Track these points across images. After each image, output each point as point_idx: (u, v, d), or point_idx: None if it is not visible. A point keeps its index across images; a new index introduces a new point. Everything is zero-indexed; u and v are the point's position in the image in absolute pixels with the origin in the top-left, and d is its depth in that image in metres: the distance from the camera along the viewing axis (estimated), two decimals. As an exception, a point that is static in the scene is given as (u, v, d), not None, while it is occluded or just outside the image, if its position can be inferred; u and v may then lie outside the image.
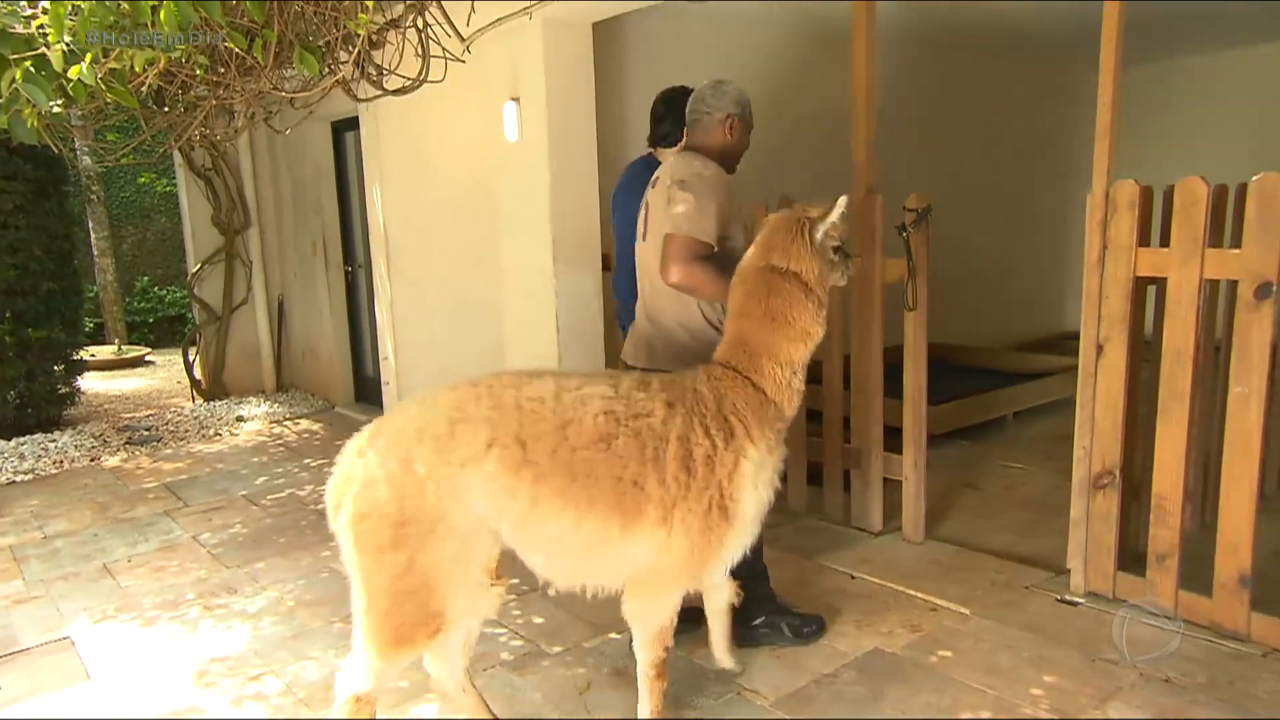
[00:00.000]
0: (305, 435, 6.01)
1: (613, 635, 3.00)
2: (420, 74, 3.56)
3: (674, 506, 2.13)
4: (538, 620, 3.15)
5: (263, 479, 5.03)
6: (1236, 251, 2.64)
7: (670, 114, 3.40)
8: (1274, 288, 2.56)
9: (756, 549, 2.79)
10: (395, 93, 3.70)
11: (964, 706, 2.48)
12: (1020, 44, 6.99)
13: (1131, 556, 3.07)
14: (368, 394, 6.59)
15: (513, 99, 4.62)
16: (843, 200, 2.29)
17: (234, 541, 4.06)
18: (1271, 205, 2.54)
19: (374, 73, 3.71)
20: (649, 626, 2.32)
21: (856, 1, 3.59)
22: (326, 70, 3.57)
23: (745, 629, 2.87)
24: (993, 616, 2.97)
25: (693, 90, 3.26)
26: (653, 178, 2.79)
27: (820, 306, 2.28)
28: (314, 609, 3.32)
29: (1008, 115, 7.87)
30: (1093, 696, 2.48)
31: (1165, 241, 2.83)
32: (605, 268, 4.83)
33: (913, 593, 3.13)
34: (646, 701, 2.38)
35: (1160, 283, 2.90)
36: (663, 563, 2.19)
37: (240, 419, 6.42)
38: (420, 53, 3.50)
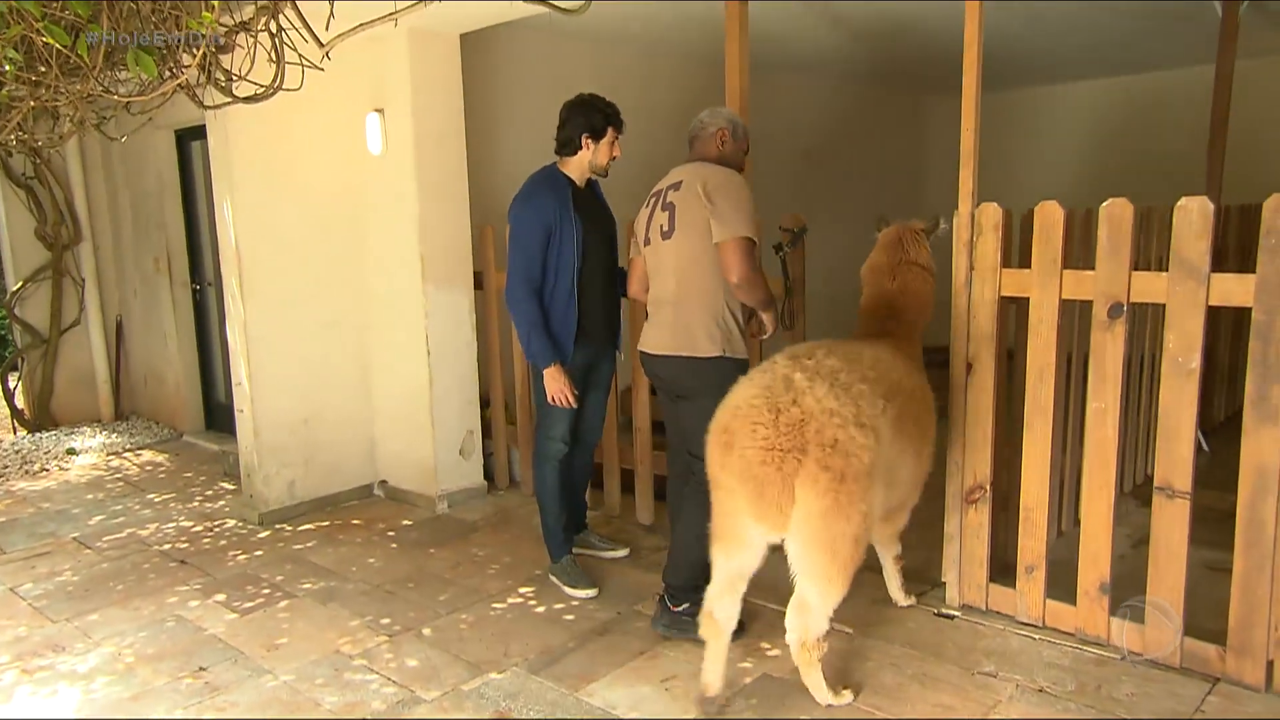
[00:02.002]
0: (149, 467, 5.52)
1: (493, 675, 2.84)
2: (275, 81, 3.31)
3: (927, 442, 2.76)
4: (411, 663, 2.96)
5: (98, 518, 4.57)
6: (1090, 273, 2.76)
7: (569, 121, 3.33)
8: (1124, 307, 2.69)
9: (708, 537, 2.84)
10: (247, 100, 3.43)
11: (852, 729, 2.47)
12: (879, 71, 7.28)
13: (999, 567, 3.18)
14: (220, 421, 6.13)
15: (376, 110, 4.41)
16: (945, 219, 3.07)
17: (62, 591, 3.64)
18: (1120, 229, 2.68)
19: (222, 78, 3.43)
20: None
21: (730, 1, 3.60)
22: (168, 74, 3.27)
23: (669, 614, 2.94)
24: (875, 634, 3.00)
25: (593, 97, 3.39)
26: (671, 182, 2.99)
27: None
28: (157, 664, 3.00)
29: (868, 138, 8.19)
30: (975, 711, 2.52)
31: (1024, 263, 2.95)
32: (477, 286, 4.68)
33: (796, 613, 3.12)
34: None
35: (1020, 302, 3.03)
36: (908, 485, 2.80)
37: (72, 452, 5.84)
38: (274, 58, 3.25)
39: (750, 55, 3.73)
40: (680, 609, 2.92)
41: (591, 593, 3.39)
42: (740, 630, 3.21)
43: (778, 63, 6.47)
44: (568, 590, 3.43)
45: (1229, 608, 2.60)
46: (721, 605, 2.58)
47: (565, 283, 3.31)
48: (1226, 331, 5.10)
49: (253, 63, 3.31)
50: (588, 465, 3.80)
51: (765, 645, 2.96)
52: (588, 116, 3.29)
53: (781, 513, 2.34)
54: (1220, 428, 4.98)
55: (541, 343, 3.26)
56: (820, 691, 2.56)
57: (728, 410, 2.49)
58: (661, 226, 2.98)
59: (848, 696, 2.59)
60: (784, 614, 3.07)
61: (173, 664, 3.01)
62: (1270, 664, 2.54)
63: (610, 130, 3.32)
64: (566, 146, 3.34)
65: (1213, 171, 5.27)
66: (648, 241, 3.06)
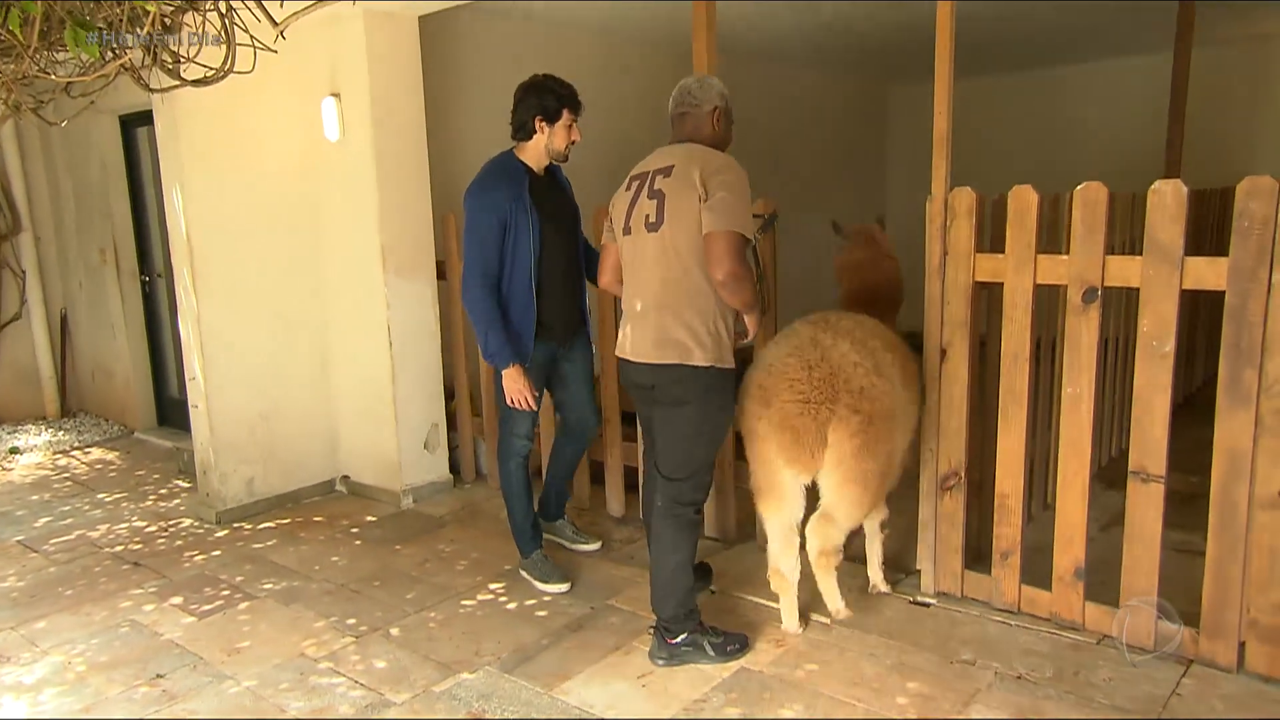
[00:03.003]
0: (98, 466, 5.33)
1: (465, 675, 2.77)
2: (225, 63, 3.17)
3: (917, 389, 2.98)
4: (379, 664, 2.87)
5: (45, 520, 4.39)
6: (1065, 257, 2.75)
7: (521, 103, 3.16)
8: (1098, 292, 2.69)
9: (690, 560, 2.78)
10: (196, 83, 3.28)
11: (834, 722, 2.44)
12: (844, 59, 7.27)
13: (974, 554, 3.17)
14: (173, 417, 5.93)
15: (332, 94, 4.27)
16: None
17: (5, 598, 3.48)
18: (1095, 212, 2.66)
19: (169, 60, 3.27)
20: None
21: (697, 1, 3.52)
22: (110, 55, 3.12)
23: (667, 647, 2.76)
24: (852, 624, 2.97)
25: (547, 78, 3.15)
26: (659, 166, 2.67)
27: None
28: (110, 672, 2.88)
29: (834, 126, 8.19)
30: (955, 701, 2.50)
31: (995, 248, 2.93)
32: (440, 275, 4.56)
33: (773, 604, 3.07)
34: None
35: (991, 288, 3.01)
36: (914, 427, 3.01)
37: (15, 451, 5.62)
38: (224, 39, 3.11)
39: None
40: (678, 640, 2.75)
41: (564, 587, 3.32)
42: (707, 574, 3.26)
43: (743, 49, 6.42)
44: (539, 586, 3.36)
45: (1199, 590, 2.61)
46: (785, 560, 2.86)
47: (522, 276, 3.16)
48: (1182, 314, 5.16)
49: (201, 44, 3.17)
50: (577, 456, 3.67)
51: (742, 637, 2.92)
52: (540, 98, 3.13)
53: (814, 457, 2.66)
54: (1178, 410, 5.04)
55: (499, 342, 3.10)
56: (833, 598, 2.96)
57: (762, 369, 2.77)
58: (647, 216, 2.66)
59: (849, 613, 2.98)
60: (756, 605, 3.07)
61: (127, 672, 2.88)
62: (1242, 645, 2.56)
63: (566, 113, 3.15)
64: (521, 130, 3.19)
65: (1171, 157, 5.34)
66: (628, 230, 2.75)
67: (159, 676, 2.84)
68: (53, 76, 2.90)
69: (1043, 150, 7.81)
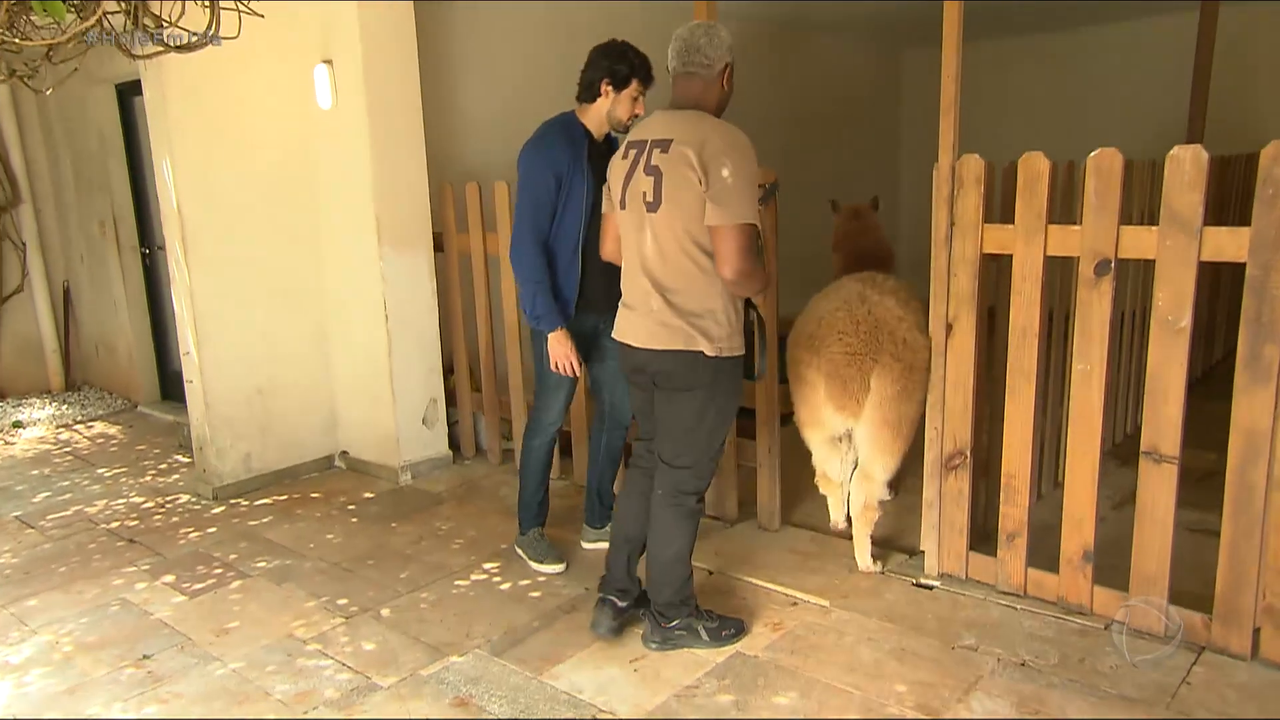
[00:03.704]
0: (100, 440, 5.31)
1: (454, 658, 2.71)
2: (209, 28, 3.07)
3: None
4: (368, 646, 2.82)
5: (43, 495, 4.37)
6: (1076, 228, 2.62)
7: (592, 64, 3.01)
8: (1112, 264, 2.56)
9: (689, 550, 2.69)
10: (180, 49, 3.18)
11: (830, 710, 2.36)
12: (852, 21, 7.06)
13: (979, 535, 3.07)
14: (175, 391, 5.89)
15: (325, 61, 4.16)
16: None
17: None
18: (1109, 181, 2.53)
19: (151, 24, 3.17)
20: None
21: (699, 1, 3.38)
22: (91, 14, 3.02)
23: (661, 631, 2.69)
24: (852, 607, 2.89)
25: (625, 45, 2.99)
26: (657, 137, 2.48)
27: None
28: (98, 653, 2.84)
29: (840, 91, 7.99)
30: (955, 688, 2.42)
31: (1004, 218, 2.80)
32: (438, 248, 4.47)
33: (772, 587, 3.01)
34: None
35: (1001, 259, 2.89)
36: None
37: (18, 425, 5.60)
38: (206, 3, 3.01)
39: (717, 7, 3.52)
40: (672, 624, 2.68)
41: (558, 568, 3.26)
42: (643, 604, 2.88)
43: (750, 14, 6.24)
44: (533, 565, 3.29)
45: (1212, 572, 2.51)
46: (830, 465, 3.26)
47: (568, 240, 3.03)
48: (1201, 287, 5.00)
49: (184, 8, 3.06)
50: (615, 452, 3.43)
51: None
52: (612, 61, 2.98)
53: (858, 403, 2.91)
54: (1194, 385, 4.90)
55: (547, 304, 2.98)
56: (864, 555, 3.13)
57: (812, 320, 3.06)
58: (644, 194, 2.48)
59: (879, 566, 3.12)
60: (754, 586, 3.00)
61: (114, 652, 2.84)
62: (1257, 632, 2.46)
63: (635, 83, 3.00)
64: (587, 91, 3.04)
65: (1194, 122, 5.16)
66: (624, 204, 2.58)
67: (146, 657, 2.81)
68: (20, 40, 2.80)
69: (1061, 115, 7.59)
